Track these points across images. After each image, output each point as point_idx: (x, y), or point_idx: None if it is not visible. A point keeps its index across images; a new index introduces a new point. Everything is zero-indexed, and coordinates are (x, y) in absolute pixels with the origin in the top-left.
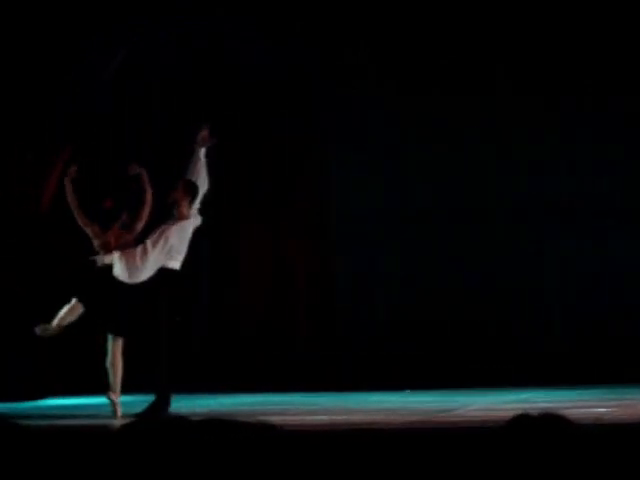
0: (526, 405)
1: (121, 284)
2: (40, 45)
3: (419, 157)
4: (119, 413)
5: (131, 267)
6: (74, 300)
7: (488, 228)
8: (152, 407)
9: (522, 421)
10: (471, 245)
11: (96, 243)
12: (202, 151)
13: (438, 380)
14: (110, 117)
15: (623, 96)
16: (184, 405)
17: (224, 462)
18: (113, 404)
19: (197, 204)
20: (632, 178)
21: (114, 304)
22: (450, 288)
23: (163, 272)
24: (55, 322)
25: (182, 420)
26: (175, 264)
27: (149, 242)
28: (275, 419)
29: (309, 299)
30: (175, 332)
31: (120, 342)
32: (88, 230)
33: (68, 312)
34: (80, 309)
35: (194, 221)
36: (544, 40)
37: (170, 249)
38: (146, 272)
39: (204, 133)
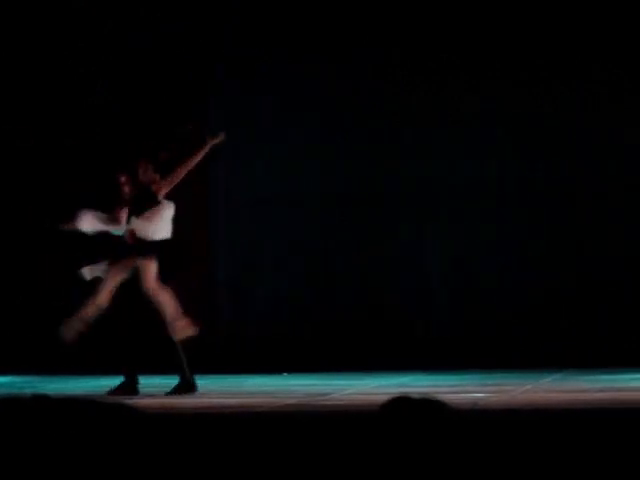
0: (404, 389)
1: None
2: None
3: (306, 141)
4: None
5: None
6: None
7: (375, 212)
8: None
9: (396, 404)
10: (356, 229)
11: None
12: None
13: (316, 363)
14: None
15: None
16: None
17: (81, 441)
18: None
19: None
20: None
21: None
22: (332, 271)
23: None
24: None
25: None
26: None
27: None
28: (146, 401)
29: (192, 280)
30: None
31: None
32: None
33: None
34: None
35: None
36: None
37: None
38: None
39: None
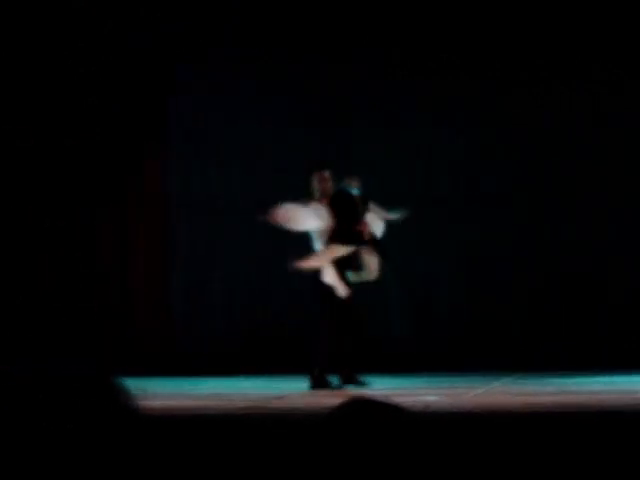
0: (357, 391)
1: None
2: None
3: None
4: None
5: None
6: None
7: None
8: None
9: (351, 406)
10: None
11: None
12: None
13: (271, 367)
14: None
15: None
16: None
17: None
18: None
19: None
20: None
21: None
22: (284, 276)
23: None
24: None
25: None
26: None
27: None
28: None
29: (147, 287)
30: None
31: None
32: None
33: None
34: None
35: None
36: None
37: None
38: None
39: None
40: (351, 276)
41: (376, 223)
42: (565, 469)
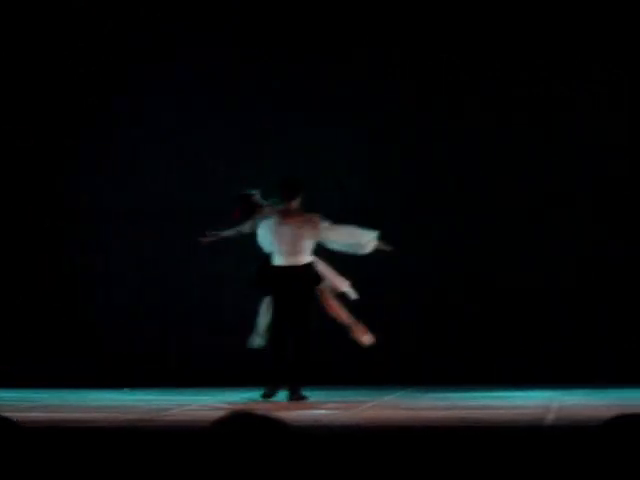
0: (247, 405)
1: None
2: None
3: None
4: None
5: None
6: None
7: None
8: None
9: (229, 421)
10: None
11: None
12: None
13: (162, 379)
14: None
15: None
16: None
17: None
18: None
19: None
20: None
21: None
22: (178, 285)
23: None
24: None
25: None
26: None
27: None
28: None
29: (32, 293)
30: None
31: None
32: None
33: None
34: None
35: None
36: None
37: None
38: None
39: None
40: None
41: None
42: None
